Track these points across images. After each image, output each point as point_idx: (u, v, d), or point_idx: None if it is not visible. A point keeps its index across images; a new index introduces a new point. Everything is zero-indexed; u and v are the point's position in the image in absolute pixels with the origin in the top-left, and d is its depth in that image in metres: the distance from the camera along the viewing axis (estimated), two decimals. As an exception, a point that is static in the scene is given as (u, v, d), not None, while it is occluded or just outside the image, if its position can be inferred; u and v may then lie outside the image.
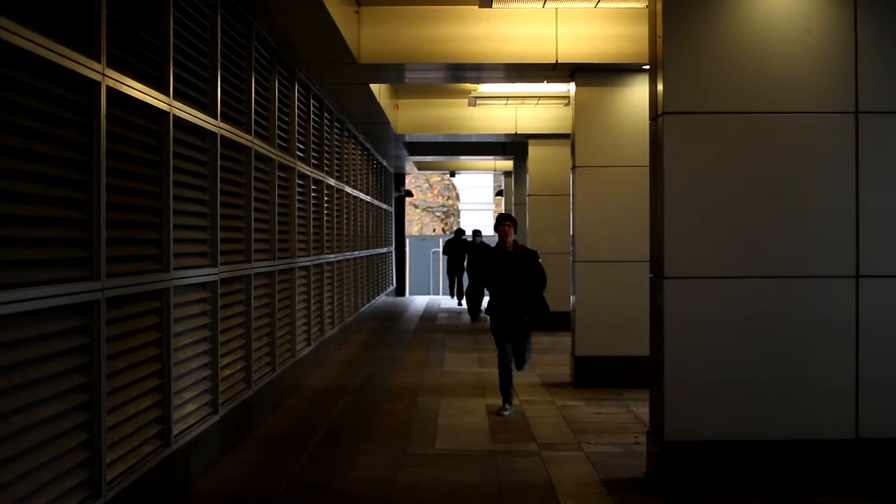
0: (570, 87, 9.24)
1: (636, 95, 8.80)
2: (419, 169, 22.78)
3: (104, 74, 4.04)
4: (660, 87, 5.21)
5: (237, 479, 5.53)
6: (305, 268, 9.32)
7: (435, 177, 37.56)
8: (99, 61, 3.99)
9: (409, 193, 24.70)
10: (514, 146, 16.26)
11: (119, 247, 4.31)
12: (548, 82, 9.90)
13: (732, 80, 5.16)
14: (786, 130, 5.17)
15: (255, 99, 7.02)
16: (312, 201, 9.70)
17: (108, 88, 4.10)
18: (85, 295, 3.88)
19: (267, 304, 7.53)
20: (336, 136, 11.73)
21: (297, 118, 8.83)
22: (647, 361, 5.52)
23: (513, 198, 18.68)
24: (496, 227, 7.58)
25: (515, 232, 7.57)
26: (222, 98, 6.05)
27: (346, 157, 12.69)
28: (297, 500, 5.13)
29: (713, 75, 5.16)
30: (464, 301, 17.72)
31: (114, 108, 4.21)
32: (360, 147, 14.48)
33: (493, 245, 7.84)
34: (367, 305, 15.48)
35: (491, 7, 7.38)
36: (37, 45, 3.43)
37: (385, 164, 19.07)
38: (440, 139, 15.69)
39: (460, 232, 18.28)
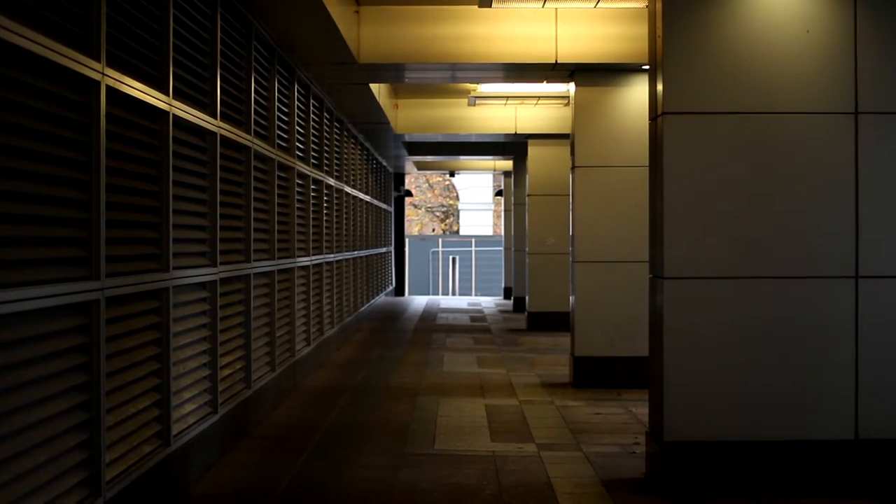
0: (569, 87, 9.24)
1: (636, 95, 8.80)
2: (419, 169, 22.77)
3: (104, 74, 4.04)
4: (659, 87, 5.21)
5: (237, 479, 5.53)
6: (305, 267, 9.31)
7: (435, 177, 37.57)
8: (99, 61, 3.99)
9: (409, 193, 24.70)
10: (513, 146, 16.26)
11: (119, 246, 4.32)
12: (547, 82, 9.90)
13: (732, 81, 5.16)
14: (785, 131, 5.18)
15: (254, 98, 7.02)
16: (312, 201, 9.70)
17: (108, 88, 4.10)
18: (85, 294, 3.88)
19: (266, 304, 7.52)
20: (336, 136, 11.73)
21: (296, 118, 8.83)
22: (647, 362, 5.52)
23: (512, 198, 18.69)
24: None
25: None
26: (222, 98, 6.05)
27: (345, 156, 12.68)
28: (296, 500, 5.13)
29: (713, 75, 5.16)
30: None
31: (114, 108, 4.21)
32: (359, 147, 14.48)
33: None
34: (367, 305, 15.48)
35: (490, 7, 7.39)
36: (37, 44, 3.43)
37: (385, 163, 19.06)
38: (440, 139, 15.69)
39: None
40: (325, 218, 10.55)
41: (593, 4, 7.37)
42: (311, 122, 9.74)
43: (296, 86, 8.76)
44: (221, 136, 6.00)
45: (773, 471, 5.08)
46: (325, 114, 10.71)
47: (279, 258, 7.94)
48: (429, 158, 19.61)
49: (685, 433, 5.11)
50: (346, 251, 12.70)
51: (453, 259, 27.64)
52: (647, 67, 5.67)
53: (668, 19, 5.16)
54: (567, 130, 9.89)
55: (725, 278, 5.15)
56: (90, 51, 3.94)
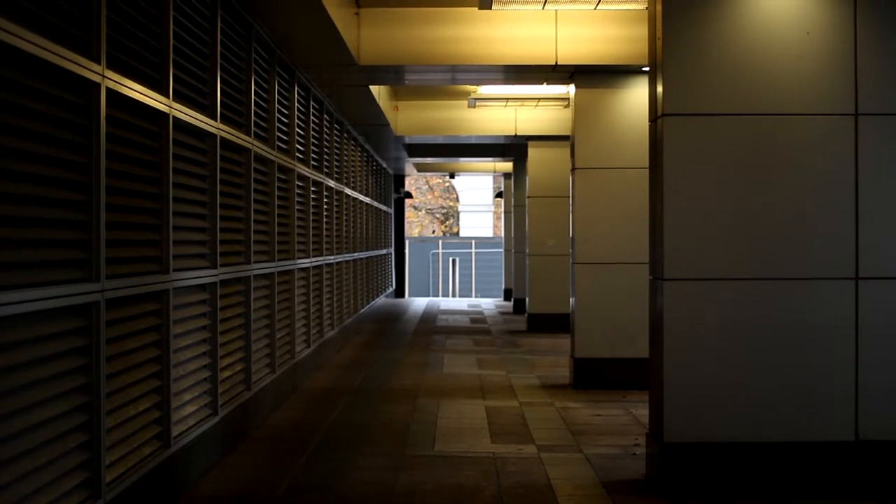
0: (569, 89, 9.24)
1: (636, 97, 8.81)
2: (419, 171, 22.77)
3: (104, 76, 4.04)
4: (659, 88, 5.21)
5: (237, 481, 5.53)
6: (305, 269, 9.31)
7: (435, 178, 37.57)
8: (99, 63, 4.00)
9: (409, 195, 24.69)
10: (513, 148, 16.26)
11: (119, 248, 4.32)
12: (547, 84, 9.90)
13: (732, 82, 5.16)
14: (785, 132, 5.18)
15: (254, 101, 7.02)
16: (312, 203, 9.70)
17: (108, 90, 4.10)
18: (85, 296, 3.88)
19: (266, 306, 7.52)
20: (336, 138, 11.73)
21: (296, 120, 8.83)
22: (647, 363, 5.52)
23: (512, 200, 18.70)
24: None
25: None
26: (222, 100, 6.06)
27: (345, 158, 12.69)
28: (296, 502, 5.13)
29: (713, 77, 5.17)
30: None
31: (114, 110, 4.21)
32: (359, 149, 14.48)
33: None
34: (367, 307, 15.48)
35: (490, 9, 7.38)
36: (37, 46, 3.43)
37: (385, 165, 19.06)
38: (440, 141, 15.70)
39: None
40: (325, 220, 10.55)
41: (593, 6, 7.37)
42: (311, 124, 9.75)
43: (296, 88, 8.77)
44: (221, 137, 6.00)
45: (774, 472, 5.08)
46: (325, 116, 10.71)
47: (279, 260, 7.94)
48: (429, 160, 19.61)
49: (685, 434, 5.11)
50: (346, 253, 12.70)
51: (453, 261, 27.64)
52: (647, 69, 5.68)
53: (668, 21, 5.16)
54: (567, 132, 9.89)
55: (725, 279, 5.15)
56: (90, 53, 3.94)
